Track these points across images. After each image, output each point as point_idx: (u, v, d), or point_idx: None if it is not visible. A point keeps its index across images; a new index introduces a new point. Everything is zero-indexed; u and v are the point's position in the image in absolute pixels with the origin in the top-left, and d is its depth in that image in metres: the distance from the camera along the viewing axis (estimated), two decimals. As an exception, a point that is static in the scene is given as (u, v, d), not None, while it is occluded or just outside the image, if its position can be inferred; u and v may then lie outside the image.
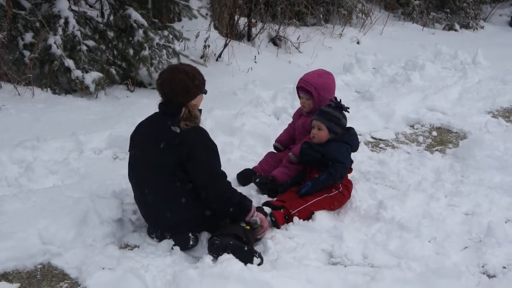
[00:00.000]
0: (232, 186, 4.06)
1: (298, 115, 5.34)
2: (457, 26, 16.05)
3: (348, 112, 4.79)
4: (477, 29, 16.51)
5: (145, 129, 4.09)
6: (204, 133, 4.00)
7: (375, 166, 5.62)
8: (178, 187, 3.94)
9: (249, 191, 4.84)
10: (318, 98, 4.97)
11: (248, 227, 4.02)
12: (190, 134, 3.89)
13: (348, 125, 4.84)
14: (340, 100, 4.79)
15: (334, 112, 4.67)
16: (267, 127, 6.31)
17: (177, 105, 3.94)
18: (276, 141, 5.41)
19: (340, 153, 4.60)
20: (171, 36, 8.45)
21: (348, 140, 4.71)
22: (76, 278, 3.64)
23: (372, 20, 14.16)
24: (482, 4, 18.14)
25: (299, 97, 5.17)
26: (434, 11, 16.75)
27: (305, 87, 5.02)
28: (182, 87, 3.92)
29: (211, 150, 3.98)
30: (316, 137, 4.69)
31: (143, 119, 4.19)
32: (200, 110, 4.10)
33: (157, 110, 4.09)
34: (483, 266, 3.97)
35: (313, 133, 4.70)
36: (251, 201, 4.11)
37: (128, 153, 4.23)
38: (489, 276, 3.87)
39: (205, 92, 4.11)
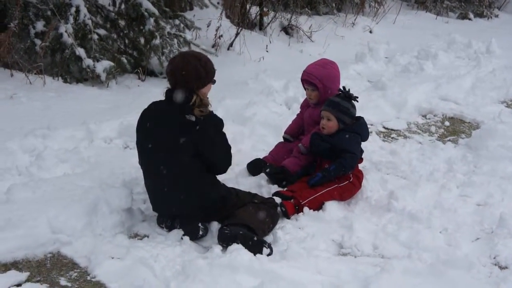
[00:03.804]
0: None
1: (305, 105, 5.30)
2: (471, 15, 15.89)
3: (357, 101, 4.75)
4: (491, 17, 16.33)
5: (156, 117, 4.05)
6: (216, 118, 4.04)
7: (386, 156, 5.58)
8: (191, 175, 3.96)
9: (259, 181, 4.83)
10: (324, 89, 4.93)
11: None
12: (206, 122, 3.91)
13: (359, 114, 4.81)
14: (349, 89, 4.75)
15: (343, 102, 4.63)
16: (278, 117, 6.28)
17: (188, 93, 3.91)
18: (286, 132, 5.38)
19: (350, 143, 4.57)
20: (182, 25, 8.43)
21: (358, 129, 4.67)
22: (85, 267, 3.65)
23: (385, 9, 14.05)
24: (497, -8, 17.96)
25: (305, 88, 5.13)
26: (448, 0, 16.61)
27: (308, 79, 4.98)
28: (195, 73, 3.92)
29: (224, 134, 4.09)
30: (325, 128, 4.66)
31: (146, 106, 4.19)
32: (208, 99, 4.08)
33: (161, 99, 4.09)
34: (494, 258, 3.95)
35: (322, 124, 4.67)
36: None
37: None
38: (501, 268, 3.85)
39: (214, 82, 4.10)
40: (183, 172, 3.94)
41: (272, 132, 5.84)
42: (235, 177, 4.89)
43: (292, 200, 4.42)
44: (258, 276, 3.43)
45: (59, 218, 3.90)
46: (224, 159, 4.14)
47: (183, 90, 3.92)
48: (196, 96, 3.92)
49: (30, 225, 3.82)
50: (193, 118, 3.87)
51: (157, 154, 4.00)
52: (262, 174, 4.89)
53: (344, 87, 4.76)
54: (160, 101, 4.08)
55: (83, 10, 7.48)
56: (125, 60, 7.74)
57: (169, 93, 4.00)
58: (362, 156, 4.83)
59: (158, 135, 3.97)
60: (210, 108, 4.04)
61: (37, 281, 3.51)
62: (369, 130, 5.00)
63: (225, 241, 3.82)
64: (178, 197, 3.98)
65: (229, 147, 4.15)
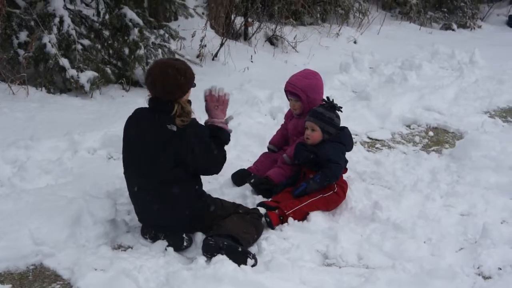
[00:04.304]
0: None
1: (289, 116, 5.31)
2: (454, 26, 16.04)
3: (341, 111, 4.76)
4: (474, 28, 16.49)
5: (139, 127, 4.03)
6: (197, 125, 4.02)
7: (371, 166, 5.59)
8: (174, 185, 3.95)
9: (244, 191, 4.82)
10: (307, 100, 4.94)
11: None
12: (187, 132, 3.89)
13: (344, 124, 4.82)
14: (333, 99, 4.76)
15: (327, 113, 4.65)
16: (263, 127, 6.28)
17: (169, 103, 3.90)
18: (270, 142, 5.39)
19: (334, 153, 4.57)
20: (167, 35, 8.44)
21: (342, 140, 4.68)
22: (68, 279, 3.62)
23: (369, 20, 14.15)
24: (480, 3, 18.13)
25: (288, 99, 5.14)
26: (432, 11, 16.76)
27: (292, 90, 4.99)
28: (175, 84, 3.90)
29: (207, 138, 4.04)
30: (310, 139, 4.66)
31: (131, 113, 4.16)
32: (190, 102, 4.06)
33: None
34: (478, 268, 3.96)
35: (306, 135, 4.68)
36: (227, 133, 4.23)
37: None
38: (485, 278, 3.86)
39: (194, 85, 4.08)
40: (166, 183, 3.92)
41: (256, 142, 5.84)
42: (219, 188, 4.88)
43: (276, 211, 4.41)
44: (242, 287, 3.41)
45: (42, 230, 3.87)
46: (210, 164, 4.11)
47: (164, 101, 3.91)
48: (178, 105, 3.91)
49: (12, 236, 3.78)
50: (174, 128, 3.86)
51: (140, 164, 3.98)
52: (247, 185, 4.88)
53: (328, 97, 4.77)
54: (145, 108, 4.07)
55: (67, 21, 7.45)
56: (109, 71, 7.72)
57: (151, 102, 4.00)
58: (347, 166, 4.84)
59: (141, 145, 3.96)
60: (193, 115, 4.02)
61: (19, 294, 3.47)
62: (354, 140, 5.02)
63: (209, 252, 3.80)
64: (162, 207, 3.96)
65: (214, 151, 4.06)
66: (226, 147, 4.20)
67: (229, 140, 4.24)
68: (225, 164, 4.15)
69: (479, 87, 8.69)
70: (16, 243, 3.77)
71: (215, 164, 4.15)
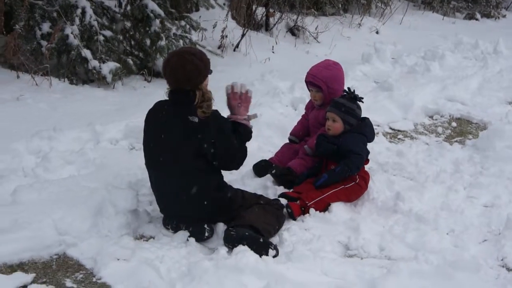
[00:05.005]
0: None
1: (310, 107, 5.29)
2: (478, 15, 15.86)
3: (363, 102, 4.73)
4: (498, 18, 16.29)
5: (160, 119, 4.03)
6: (219, 117, 4.01)
7: (393, 157, 5.55)
8: (196, 177, 3.95)
9: (265, 182, 4.82)
10: (328, 91, 4.91)
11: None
12: (209, 123, 3.89)
13: (366, 115, 4.79)
14: (354, 90, 4.73)
15: (348, 103, 4.62)
16: (284, 118, 6.26)
17: (190, 91, 3.90)
18: (291, 133, 5.37)
19: (355, 144, 4.55)
20: (188, 26, 8.43)
21: (363, 130, 4.66)
22: (91, 269, 3.65)
23: (392, 10, 14.04)
24: (504, -8, 17.92)
25: (309, 90, 5.12)
26: (455, 0, 16.56)
27: (312, 81, 4.96)
28: (195, 69, 3.89)
29: (229, 131, 4.03)
30: (331, 129, 4.64)
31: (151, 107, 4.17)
32: (210, 92, 4.06)
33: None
34: (502, 259, 3.92)
35: (327, 125, 4.66)
36: (249, 129, 4.22)
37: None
38: (508, 270, 3.83)
39: (211, 72, 4.07)
40: (188, 174, 3.93)
41: (278, 133, 5.83)
42: (241, 178, 4.88)
43: (298, 202, 4.40)
44: (263, 278, 3.41)
45: (65, 220, 3.90)
46: (229, 159, 4.08)
47: (185, 90, 3.91)
48: (199, 92, 3.91)
49: (36, 226, 3.81)
50: (196, 120, 3.86)
51: (162, 156, 3.99)
52: (268, 176, 4.88)
53: (349, 88, 4.74)
54: (165, 101, 4.07)
55: (89, 12, 7.49)
56: (131, 62, 7.75)
57: (171, 95, 4.00)
58: (368, 157, 4.81)
59: (162, 137, 3.97)
60: (213, 103, 4.01)
61: (43, 283, 3.50)
62: (376, 131, 4.99)
63: (231, 242, 3.81)
64: (184, 198, 3.97)
65: (234, 145, 4.06)
66: (248, 141, 4.19)
67: (251, 137, 4.22)
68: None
69: (503, 77, 8.59)
70: (39, 233, 3.80)
71: (234, 159, 4.13)
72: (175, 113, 3.94)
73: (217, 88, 4.14)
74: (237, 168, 4.24)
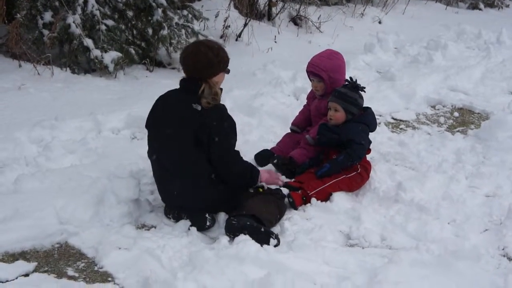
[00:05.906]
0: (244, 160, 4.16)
1: (312, 97, 5.28)
2: (481, 5, 15.78)
3: (365, 92, 4.72)
4: (502, 7, 16.21)
5: (165, 106, 4.07)
6: (224, 112, 4.00)
7: (395, 147, 5.55)
8: (198, 165, 3.95)
9: (267, 172, 4.82)
10: (330, 81, 4.90)
11: (260, 190, 4.17)
12: (211, 113, 3.89)
13: (368, 105, 4.78)
14: (356, 80, 4.72)
15: (350, 93, 4.61)
16: (286, 108, 6.26)
17: (199, 81, 3.92)
18: (293, 123, 5.37)
19: (357, 134, 4.54)
20: (190, 16, 8.40)
21: (365, 120, 4.65)
22: (92, 258, 3.66)
23: (394, -1, 13.99)
24: (508, -19, 17.82)
25: (310, 80, 5.11)
26: (458, -10, 16.50)
27: (314, 71, 4.95)
28: (205, 61, 3.92)
29: (230, 130, 4.02)
30: (333, 119, 4.64)
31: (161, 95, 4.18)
32: (221, 90, 4.07)
33: (177, 87, 4.08)
34: (503, 249, 3.92)
35: (329, 115, 4.65)
36: (258, 171, 4.21)
37: (147, 131, 4.22)
38: (510, 259, 3.83)
39: (228, 72, 4.09)
40: (188, 163, 3.93)
41: (280, 123, 5.83)
42: (242, 168, 4.88)
43: (299, 191, 4.41)
44: (265, 267, 3.41)
45: (67, 209, 3.91)
46: (226, 159, 4.02)
47: (193, 79, 3.94)
48: (206, 85, 3.92)
49: (38, 215, 3.83)
50: (199, 108, 3.87)
51: (162, 142, 4.01)
52: (270, 165, 4.88)
53: (351, 78, 4.73)
54: (176, 89, 4.10)
55: (91, 1, 7.47)
56: (133, 51, 7.73)
57: (181, 81, 4.04)
58: (370, 147, 4.80)
59: (164, 123, 3.99)
60: (220, 99, 4.02)
61: (45, 271, 3.51)
62: (378, 120, 4.98)
63: (232, 232, 3.82)
64: (185, 188, 3.98)
65: (233, 146, 4.05)
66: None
67: (256, 181, 4.22)
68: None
69: (506, 67, 8.56)
70: (41, 222, 3.82)
71: (228, 157, 4.03)
72: (181, 100, 3.97)
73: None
74: (228, 172, 4.07)
